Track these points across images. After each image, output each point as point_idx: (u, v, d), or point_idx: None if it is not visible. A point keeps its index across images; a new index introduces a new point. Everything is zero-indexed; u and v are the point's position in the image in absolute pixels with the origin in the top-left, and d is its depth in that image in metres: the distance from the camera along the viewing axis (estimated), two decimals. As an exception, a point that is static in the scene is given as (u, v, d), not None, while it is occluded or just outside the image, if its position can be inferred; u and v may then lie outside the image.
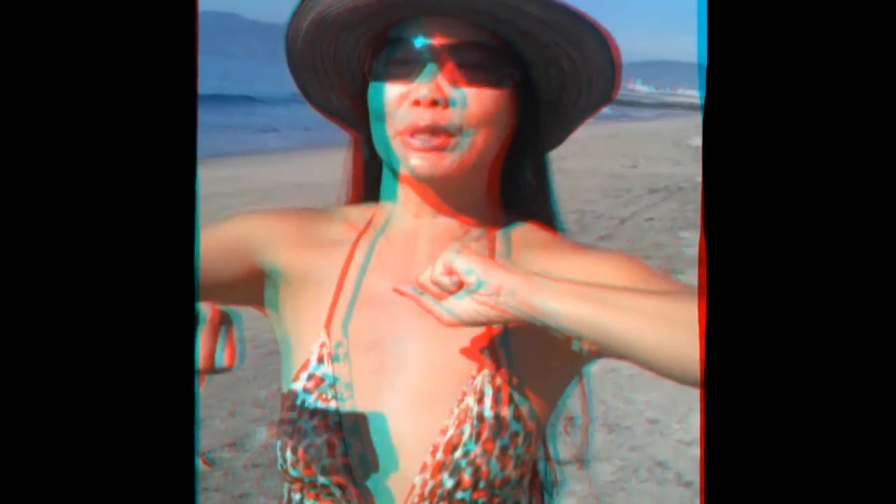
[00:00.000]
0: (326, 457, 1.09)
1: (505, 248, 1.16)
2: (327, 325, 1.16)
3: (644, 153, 14.81)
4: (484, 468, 1.06)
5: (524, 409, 1.10)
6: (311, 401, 1.12)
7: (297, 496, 1.15)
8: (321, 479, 1.10)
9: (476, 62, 1.08)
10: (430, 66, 1.08)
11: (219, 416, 4.62)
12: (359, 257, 1.19)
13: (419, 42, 1.08)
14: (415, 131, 1.08)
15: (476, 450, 1.06)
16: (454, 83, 1.08)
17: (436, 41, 1.08)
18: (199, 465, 0.98)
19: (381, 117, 1.11)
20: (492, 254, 1.14)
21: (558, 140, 1.23)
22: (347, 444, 1.10)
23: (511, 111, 1.13)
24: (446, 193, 1.13)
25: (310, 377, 1.14)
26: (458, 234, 1.15)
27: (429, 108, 1.07)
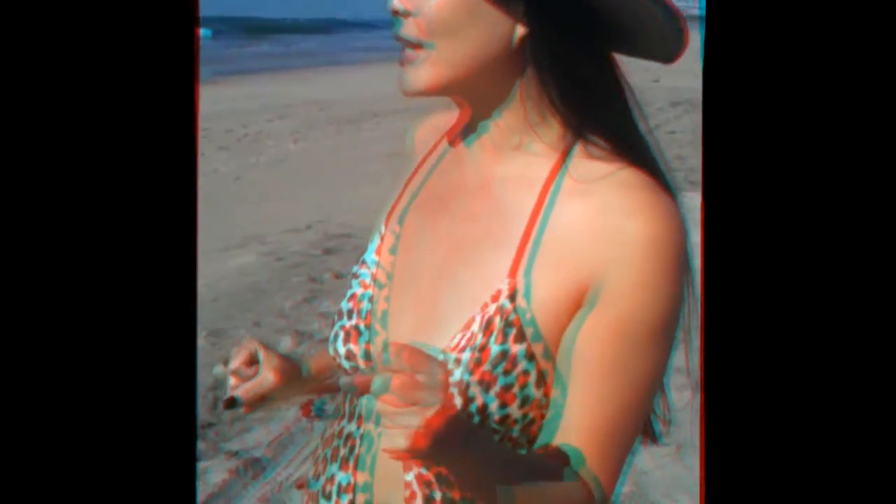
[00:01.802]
0: (352, 341, 1.11)
1: (562, 171, 1.06)
2: (389, 214, 1.18)
3: (666, 67, 14.64)
4: (479, 399, 1.00)
5: (537, 348, 1.02)
6: (355, 284, 1.15)
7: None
8: (344, 363, 1.11)
9: None
10: None
11: (244, 325, 4.76)
12: (437, 152, 1.20)
13: None
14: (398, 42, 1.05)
15: (470, 378, 1.00)
16: None
17: None
18: (221, 370, 1.03)
19: None
20: (552, 175, 1.06)
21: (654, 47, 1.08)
22: (373, 333, 1.10)
23: (501, 12, 1.02)
24: (476, 105, 1.08)
25: (363, 262, 1.16)
26: (507, 144, 1.08)
27: (398, 18, 1.04)
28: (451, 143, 1.17)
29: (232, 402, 1.13)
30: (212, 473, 3.27)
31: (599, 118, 1.06)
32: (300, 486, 1.29)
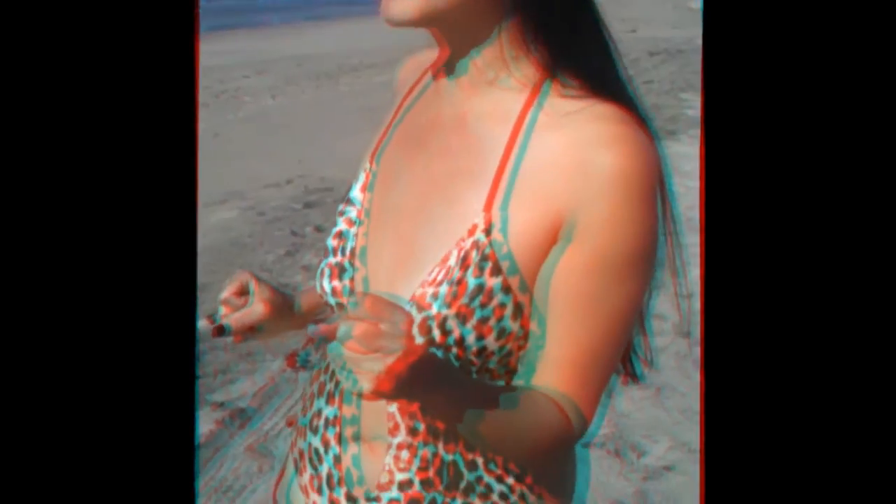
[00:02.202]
0: (336, 277, 1.13)
1: (536, 106, 1.07)
2: (373, 153, 1.20)
3: (643, 17, 14.57)
4: (456, 332, 1.02)
5: (513, 281, 1.03)
6: (340, 222, 1.17)
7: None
8: (330, 299, 1.14)
9: None
10: None
11: (227, 280, 4.78)
12: (417, 90, 1.21)
13: None
14: None
15: (447, 312, 1.02)
16: None
17: None
18: (205, 324, 1.04)
19: None
20: (526, 108, 1.07)
21: None
22: (354, 269, 1.13)
23: None
24: (455, 41, 1.09)
25: (348, 200, 1.18)
26: (482, 80, 1.09)
27: None
28: (432, 79, 1.18)
29: (221, 330, 1.14)
30: (198, 424, 3.33)
31: (576, 56, 1.06)
32: (290, 423, 1.31)
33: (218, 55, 12.59)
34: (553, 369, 1.05)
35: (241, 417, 3.40)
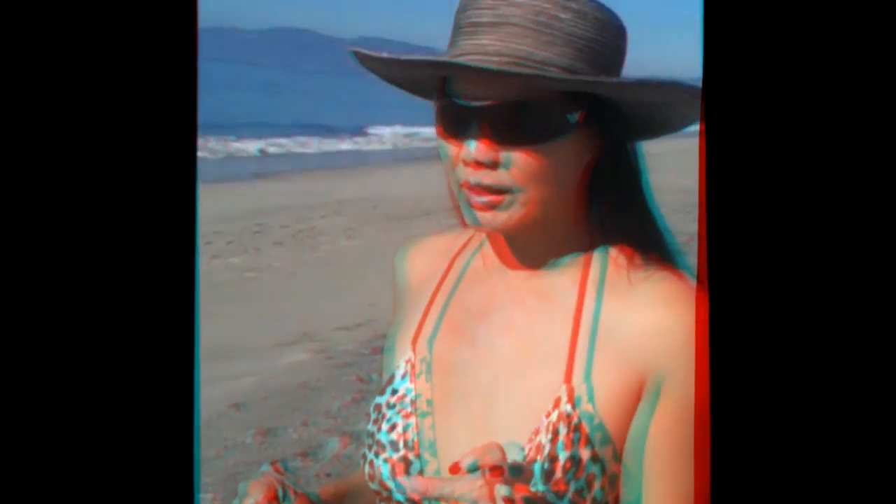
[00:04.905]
0: (402, 473, 1.10)
1: (598, 276, 1.12)
2: (414, 341, 1.18)
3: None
4: None
5: (605, 451, 1.05)
6: (392, 415, 1.13)
7: None
8: (397, 496, 1.10)
9: (523, 121, 1.03)
10: (473, 127, 1.03)
11: (292, 425, 4.74)
12: (454, 274, 1.21)
13: (462, 103, 1.04)
14: (470, 188, 1.05)
15: (544, 490, 1.03)
16: (500, 145, 1.03)
17: (480, 102, 1.03)
18: (272, 472, 1.00)
19: (446, 168, 1.09)
20: (583, 283, 1.11)
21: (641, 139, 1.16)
22: (424, 462, 1.10)
23: (582, 146, 1.07)
24: (528, 230, 1.10)
25: (394, 391, 1.15)
26: (550, 261, 1.13)
27: (478, 170, 1.04)
28: (467, 263, 1.20)
29: None
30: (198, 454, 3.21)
31: (628, 223, 1.13)
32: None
33: (297, 195, 12.88)
34: None
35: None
